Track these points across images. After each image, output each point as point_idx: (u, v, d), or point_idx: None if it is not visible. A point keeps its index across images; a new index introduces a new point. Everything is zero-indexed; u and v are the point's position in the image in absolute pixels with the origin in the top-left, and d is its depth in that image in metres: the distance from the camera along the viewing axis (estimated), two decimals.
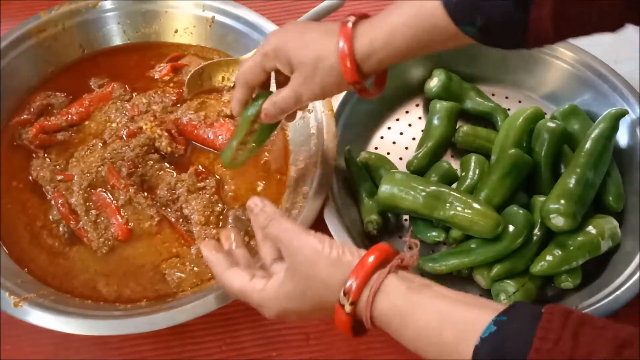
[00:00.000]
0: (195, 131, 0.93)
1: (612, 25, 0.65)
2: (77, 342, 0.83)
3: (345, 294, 0.59)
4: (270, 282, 0.65)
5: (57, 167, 0.91)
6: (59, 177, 0.89)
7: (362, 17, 0.71)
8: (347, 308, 0.59)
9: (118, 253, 0.86)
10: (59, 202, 0.88)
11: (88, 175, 0.88)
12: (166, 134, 0.92)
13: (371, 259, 0.60)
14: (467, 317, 0.55)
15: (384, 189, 0.84)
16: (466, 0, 0.65)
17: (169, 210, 0.88)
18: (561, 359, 0.49)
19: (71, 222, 0.87)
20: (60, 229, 0.87)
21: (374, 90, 0.75)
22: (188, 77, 0.97)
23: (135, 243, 0.86)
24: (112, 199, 0.88)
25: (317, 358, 0.82)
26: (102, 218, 0.87)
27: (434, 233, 0.86)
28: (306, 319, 0.67)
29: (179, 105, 0.96)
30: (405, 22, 0.68)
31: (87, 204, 0.87)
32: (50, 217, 0.88)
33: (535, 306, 0.54)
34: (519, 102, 1.01)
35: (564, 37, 0.66)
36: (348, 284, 0.59)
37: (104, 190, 0.88)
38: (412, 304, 0.58)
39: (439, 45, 0.70)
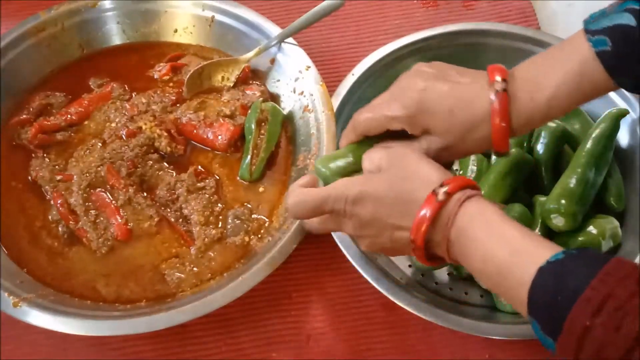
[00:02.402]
0: (195, 131, 0.93)
1: None
2: (77, 343, 0.83)
3: (443, 185, 0.61)
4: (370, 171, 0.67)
5: (57, 167, 0.91)
6: (58, 177, 0.89)
7: (504, 75, 0.67)
8: (441, 196, 0.60)
9: (117, 253, 0.86)
10: (58, 202, 0.87)
11: (87, 175, 0.88)
12: (165, 134, 0.92)
13: (467, 180, 0.63)
14: (541, 245, 0.57)
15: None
16: (620, 50, 0.64)
17: (169, 210, 0.88)
18: (623, 292, 0.49)
19: (70, 222, 0.87)
20: (60, 229, 0.87)
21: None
22: (187, 76, 0.97)
23: (135, 243, 0.86)
24: (111, 199, 0.88)
25: (318, 359, 0.82)
26: (102, 218, 0.87)
27: None
28: (379, 217, 0.64)
29: (178, 105, 0.96)
30: (566, 93, 0.66)
31: (87, 204, 0.87)
32: (50, 217, 0.88)
33: (606, 254, 0.56)
34: None
35: None
36: (448, 180, 0.61)
37: (103, 190, 0.88)
38: (499, 217, 0.60)
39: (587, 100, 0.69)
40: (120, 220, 0.86)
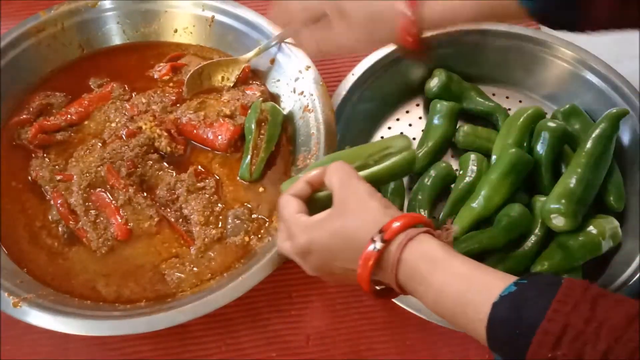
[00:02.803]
0: (195, 131, 0.93)
1: None
2: (77, 343, 0.83)
3: (381, 232, 0.61)
4: (312, 217, 0.67)
5: (57, 167, 0.91)
6: (58, 177, 0.89)
7: None
8: (378, 245, 0.61)
9: (117, 253, 0.85)
10: (59, 202, 0.87)
11: (87, 175, 0.88)
12: (165, 133, 0.91)
13: (415, 215, 0.63)
14: (492, 278, 0.57)
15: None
16: None
17: (169, 210, 0.88)
18: (578, 321, 0.50)
19: (70, 222, 0.87)
20: (60, 229, 0.87)
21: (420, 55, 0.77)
22: (187, 76, 0.97)
23: (135, 243, 0.86)
24: (111, 198, 0.87)
25: (317, 358, 0.82)
26: (102, 218, 0.87)
27: None
28: (328, 263, 0.66)
29: (178, 105, 0.96)
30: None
31: (87, 204, 0.87)
32: (50, 217, 0.88)
33: (556, 276, 0.56)
34: (520, 102, 1.01)
35: (619, 26, 0.66)
36: (387, 224, 0.61)
37: (103, 190, 0.88)
38: (443, 256, 0.60)
39: (491, 18, 0.71)
40: (120, 220, 0.86)
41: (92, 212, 0.87)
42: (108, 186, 0.88)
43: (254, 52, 0.96)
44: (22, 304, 0.77)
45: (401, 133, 0.99)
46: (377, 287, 0.66)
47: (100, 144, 0.91)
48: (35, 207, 0.89)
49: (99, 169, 0.88)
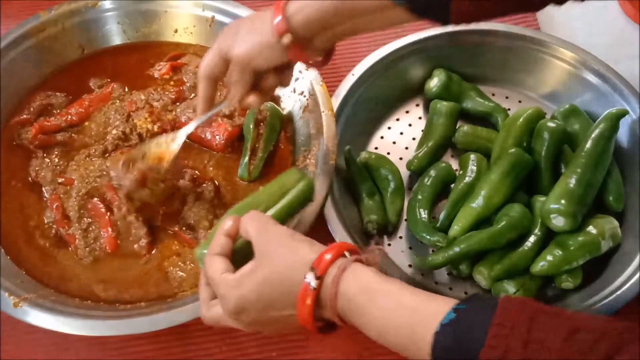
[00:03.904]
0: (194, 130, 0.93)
1: (535, 4, 0.67)
2: (77, 343, 0.83)
3: (312, 269, 0.60)
4: (238, 272, 0.64)
5: (57, 167, 0.91)
6: (60, 180, 0.89)
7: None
8: (313, 283, 0.59)
9: (106, 263, 0.85)
10: (55, 205, 0.87)
11: (87, 183, 0.88)
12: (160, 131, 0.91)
13: (339, 243, 0.62)
14: (430, 305, 0.57)
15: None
16: None
17: (177, 225, 0.87)
18: (517, 344, 0.51)
19: (62, 227, 0.86)
20: (53, 230, 0.87)
21: (317, 62, 0.77)
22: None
23: (122, 259, 0.85)
24: (106, 210, 0.87)
25: (317, 358, 0.82)
26: (93, 227, 0.86)
27: (436, 237, 0.85)
28: (264, 314, 0.63)
29: (178, 103, 0.96)
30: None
31: (82, 211, 0.87)
32: (45, 218, 0.87)
33: (493, 297, 0.56)
34: (519, 102, 1.01)
35: (486, 17, 0.68)
36: (317, 260, 0.60)
37: (100, 200, 0.87)
38: (379, 285, 0.60)
39: (370, 16, 0.70)
40: (111, 233, 0.85)
41: (85, 219, 0.86)
42: (106, 197, 0.87)
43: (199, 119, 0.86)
44: (23, 304, 0.77)
45: (401, 133, 0.99)
46: (320, 324, 0.64)
47: (101, 148, 0.91)
48: (33, 207, 0.89)
49: (99, 179, 0.88)
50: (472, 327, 0.53)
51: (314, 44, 0.74)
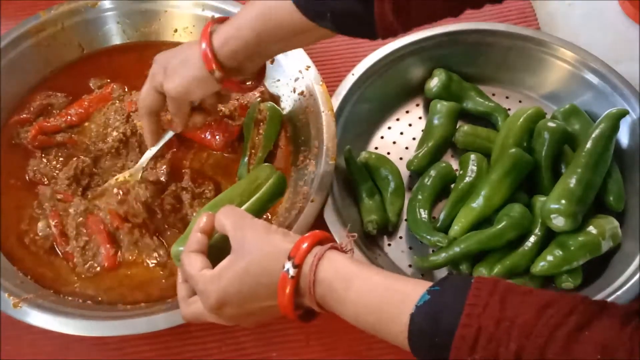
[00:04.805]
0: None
1: (455, 10, 0.70)
2: (77, 343, 0.83)
3: (290, 258, 0.61)
4: (217, 267, 0.65)
5: (57, 167, 0.91)
6: (59, 196, 0.88)
7: (221, 20, 0.77)
8: (292, 271, 0.61)
9: (109, 277, 0.84)
10: (54, 222, 0.86)
11: (86, 201, 0.87)
12: None
13: (314, 232, 0.64)
14: (405, 288, 0.59)
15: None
16: None
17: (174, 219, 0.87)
18: (490, 323, 0.52)
19: (61, 244, 0.85)
20: (48, 243, 0.86)
21: (250, 86, 0.81)
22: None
23: (127, 268, 0.85)
24: (105, 225, 0.85)
25: (317, 358, 0.82)
26: (92, 245, 0.85)
27: (436, 238, 0.85)
28: (245, 307, 0.65)
29: None
30: (252, 17, 0.73)
31: (79, 228, 0.85)
32: (38, 231, 0.86)
33: (467, 277, 0.57)
34: (519, 102, 1.01)
35: (410, 26, 0.70)
36: (293, 249, 0.62)
37: (98, 216, 0.86)
38: (355, 271, 0.61)
39: (294, 38, 0.74)
40: (110, 250, 0.84)
41: (83, 238, 0.85)
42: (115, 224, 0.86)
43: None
44: (22, 305, 0.77)
45: (401, 133, 0.99)
46: (300, 312, 0.65)
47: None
48: (30, 206, 0.89)
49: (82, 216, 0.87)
50: (446, 308, 0.55)
51: (244, 71, 0.77)
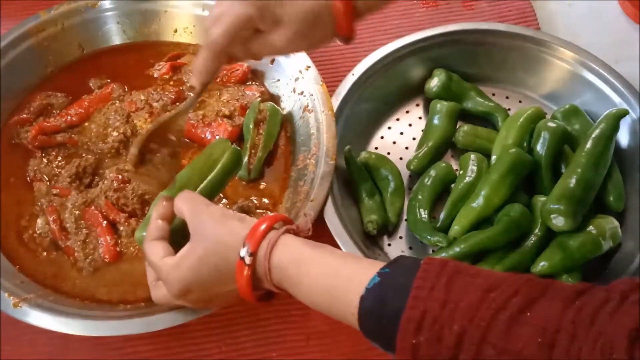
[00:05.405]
0: (193, 130, 0.93)
1: None
2: (77, 343, 0.83)
3: (245, 244, 0.62)
4: (177, 255, 0.67)
5: (57, 167, 0.91)
6: (55, 191, 0.88)
7: None
8: (247, 259, 0.62)
9: (110, 271, 0.84)
10: (52, 217, 0.86)
11: (84, 194, 0.87)
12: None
13: (271, 215, 0.65)
14: (357, 270, 0.60)
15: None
16: None
17: None
18: (435, 305, 0.53)
19: (61, 239, 0.86)
20: (48, 239, 0.86)
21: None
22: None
23: (123, 264, 0.85)
24: (104, 218, 0.86)
25: (317, 358, 0.82)
26: (92, 238, 0.85)
27: (436, 238, 0.85)
28: (207, 292, 0.67)
29: (178, 103, 0.96)
30: None
31: (79, 222, 0.86)
32: (37, 229, 0.86)
33: (417, 259, 0.58)
34: (520, 102, 1.01)
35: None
36: (249, 234, 0.63)
37: (97, 209, 0.86)
38: (308, 254, 0.62)
39: None
40: (109, 242, 0.84)
41: (83, 231, 0.85)
42: (110, 218, 0.86)
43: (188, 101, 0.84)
44: (22, 304, 0.77)
45: (401, 133, 0.99)
46: (261, 293, 0.67)
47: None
48: (30, 203, 0.89)
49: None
50: (394, 290, 0.56)
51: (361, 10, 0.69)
